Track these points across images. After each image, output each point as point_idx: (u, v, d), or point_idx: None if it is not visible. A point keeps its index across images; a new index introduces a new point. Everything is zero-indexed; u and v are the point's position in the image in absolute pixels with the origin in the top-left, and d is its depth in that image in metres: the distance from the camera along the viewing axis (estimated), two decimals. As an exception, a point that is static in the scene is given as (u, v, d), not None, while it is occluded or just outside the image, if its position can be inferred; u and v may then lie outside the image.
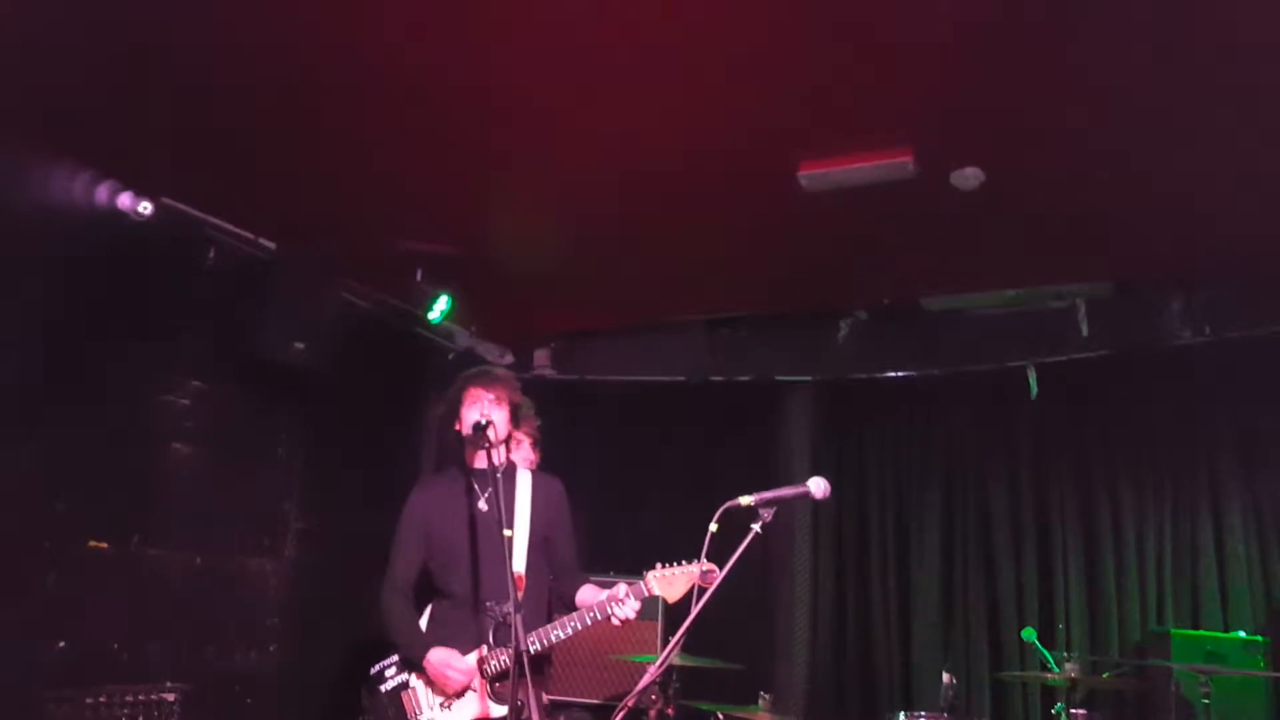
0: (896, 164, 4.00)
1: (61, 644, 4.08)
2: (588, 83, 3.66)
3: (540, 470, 3.84)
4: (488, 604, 3.42)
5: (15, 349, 3.90)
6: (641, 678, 2.68)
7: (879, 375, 6.12)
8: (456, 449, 3.77)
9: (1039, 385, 5.65)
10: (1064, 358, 5.59)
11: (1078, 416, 5.67)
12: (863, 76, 3.54)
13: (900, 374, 6.07)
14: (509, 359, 6.85)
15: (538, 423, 4.27)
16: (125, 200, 4.37)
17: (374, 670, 3.65)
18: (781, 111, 3.78)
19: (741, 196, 4.51)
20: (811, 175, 4.14)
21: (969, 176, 4.15)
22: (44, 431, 3.99)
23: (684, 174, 4.32)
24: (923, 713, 4.43)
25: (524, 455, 4.17)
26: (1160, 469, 5.44)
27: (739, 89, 3.65)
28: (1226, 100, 3.55)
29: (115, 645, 4.29)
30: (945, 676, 4.50)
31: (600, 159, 4.24)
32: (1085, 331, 5.57)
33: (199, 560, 4.76)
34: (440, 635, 3.54)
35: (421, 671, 3.52)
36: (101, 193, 4.31)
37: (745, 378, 6.45)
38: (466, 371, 3.77)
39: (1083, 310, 5.59)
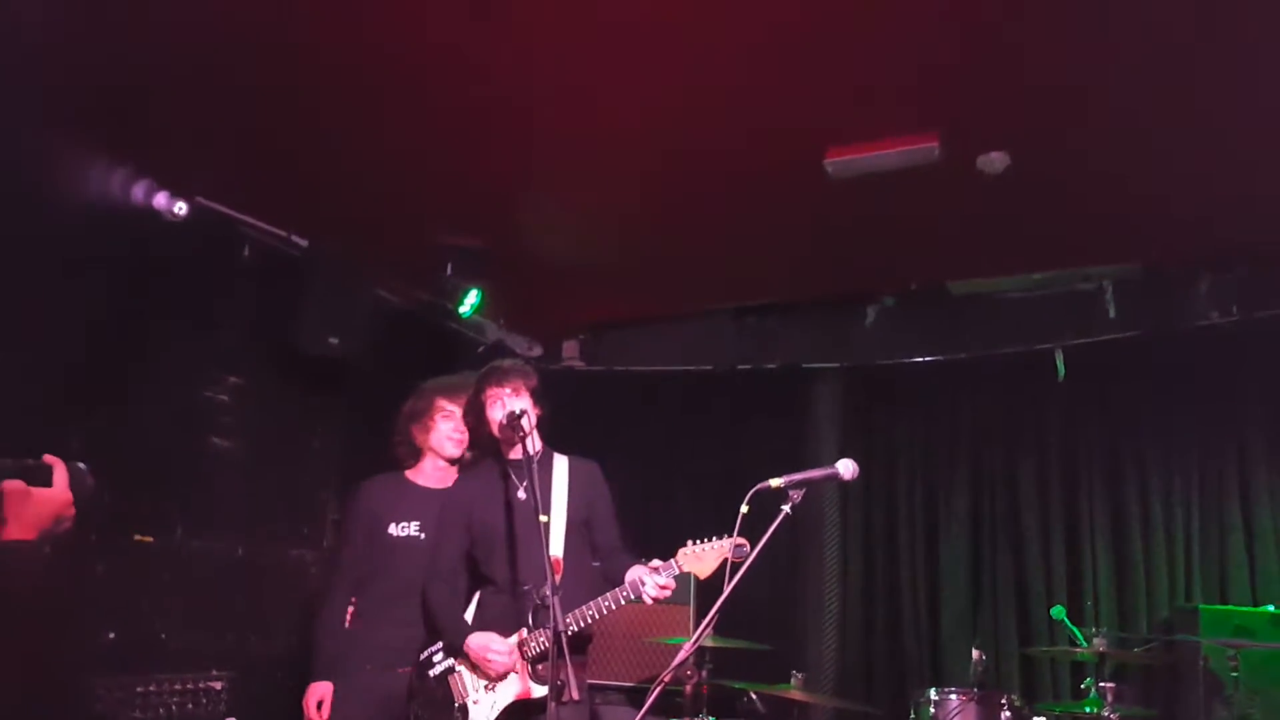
0: (922, 149, 4.03)
1: (112, 634, 4.18)
2: (612, 73, 3.71)
3: (576, 455, 3.93)
4: (526, 588, 3.50)
5: (60, 348, 4.00)
6: (675, 660, 2.76)
7: (906, 360, 6.14)
8: (493, 446, 3.88)
9: (1066, 367, 5.65)
10: (1092, 339, 5.60)
11: (1106, 397, 5.68)
12: (888, 62, 3.56)
13: (927, 359, 6.08)
14: (538, 351, 6.92)
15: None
16: (161, 200, 4.45)
17: (422, 656, 3.76)
18: (807, 99, 3.81)
19: (768, 185, 4.54)
20: (837, 163, 4.16)
21: (995, 161, 4.17)
22: (89, 428, 4.09)
23: (709, 164, 4.36)
24: (953, 689, 4.47)
25: (439, 440, 4.25)
26: (1188, 447, 5.45)
27: (764, 77, 3.68)
28: (1259, 79, 3.54)
29: (163, 635, 4.39)
30: (975, 653, 4.53)
31: (625, 150, 4.30)
32: (1113, 313, 5.57)
33: (241, 551, 4.86)
34: (485, 620, 3.67)
35: (465, 657, 3.62)
36: (138, 192, 4.40)
37: (772, 365, 6.48)
38: (477, 376, 3.89)
39: (1110, 292, 5.59)
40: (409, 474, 4.22)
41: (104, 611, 4.17)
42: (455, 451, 4.17)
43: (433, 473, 4.20)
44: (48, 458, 1.82)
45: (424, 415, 4.17)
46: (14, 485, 1.75)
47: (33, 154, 3.83)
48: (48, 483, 1.79)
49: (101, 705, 3.90)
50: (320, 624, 4.09)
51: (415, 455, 4.22)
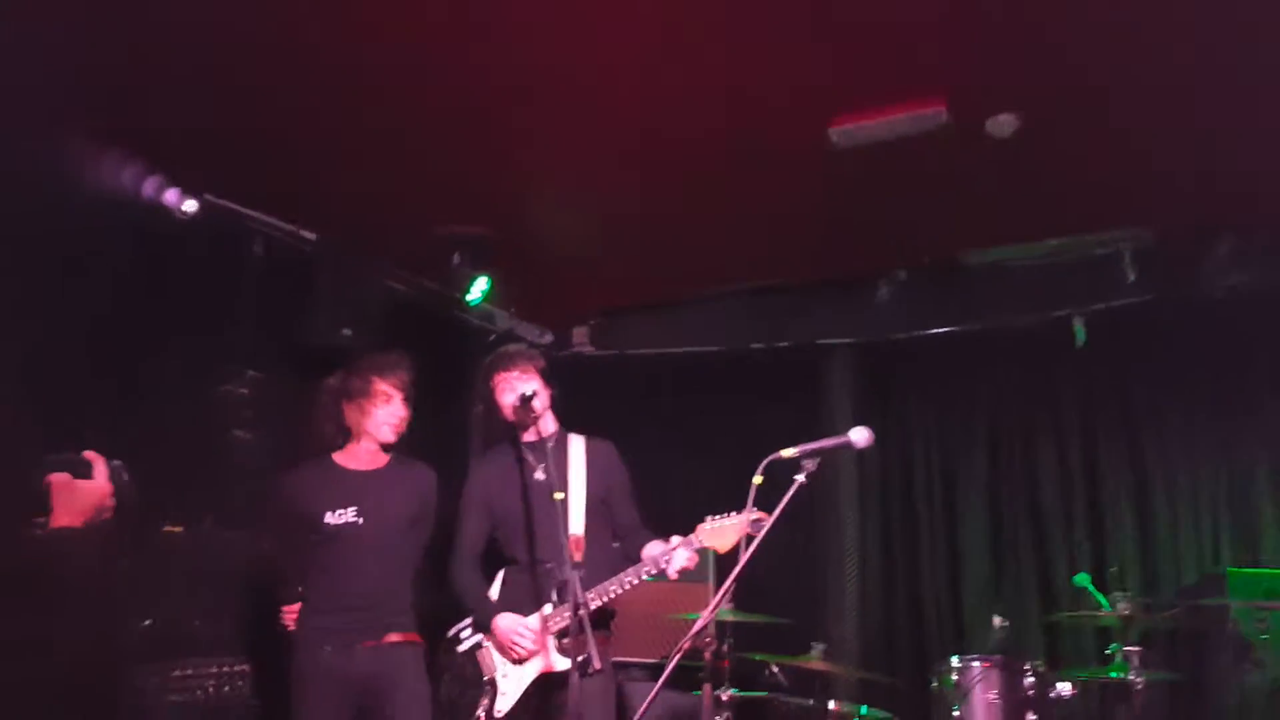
0: (930, 114, 3.98)
1: (146, 622, 4.23)
2: (612, 49, 3.69)
3: (593, 436, 3.97)
4: (548, 565, 3.54)
5: (82, 348, 4.04)
6: (699, 637, 2.78)
7: (921, 334, 6.09)
8: (508, 431, 3.91)
9: (1086, 334, 5.60)
10: (1110, 305, 5.53)
11: (1125, 363, 5.62)
12: (891, 25, 3.51)
13: (943, 330, 6.04)
14: (548, 339, 6.92)
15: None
16: (171, 197, 4.46)
17: (451, 633, 3.86)
18: (809, 68, 3.78)
19: (774, 159, 4.51)
20: (843, 131, 4.13)
21: (1004, 124, 4.12)
22: (116, 425, 4.12)
23: (714, 140, 4.34)
24: (974, 657, 4.45)
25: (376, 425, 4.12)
26: (1211, 411, 5.39)
27: (765, 47, 3.66)
28: (1276, 41, 3.48)
29: (196, 622, 4.43)
30: (996, 620, 4.52)
31: (627, 130, 4.28)
32: (1131, 278, 5.51)
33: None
34: (509, 597, 3.76)
35: (492, 634, 3.70)
36: (148, 189, 4.42)
37: (785, 344, 6.45)
38: (485, 363, 3.92)
39: (1128, 256, 5.53)
40: (337, 458, 4.06)
41: (138, 600, 4.21)
42: (392, 437, 4.03)
43: (365, 455, 4.04)
44: (88, 453, 1.95)
45: (359, 396, 3.99)
46: (60, 478, 1.89)
47: (42, 151, 3.86)
48: (89, 475, 1.93)
49: (140, 690, 3.96)
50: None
51: (345, 436, 4.05)
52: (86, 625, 1.74)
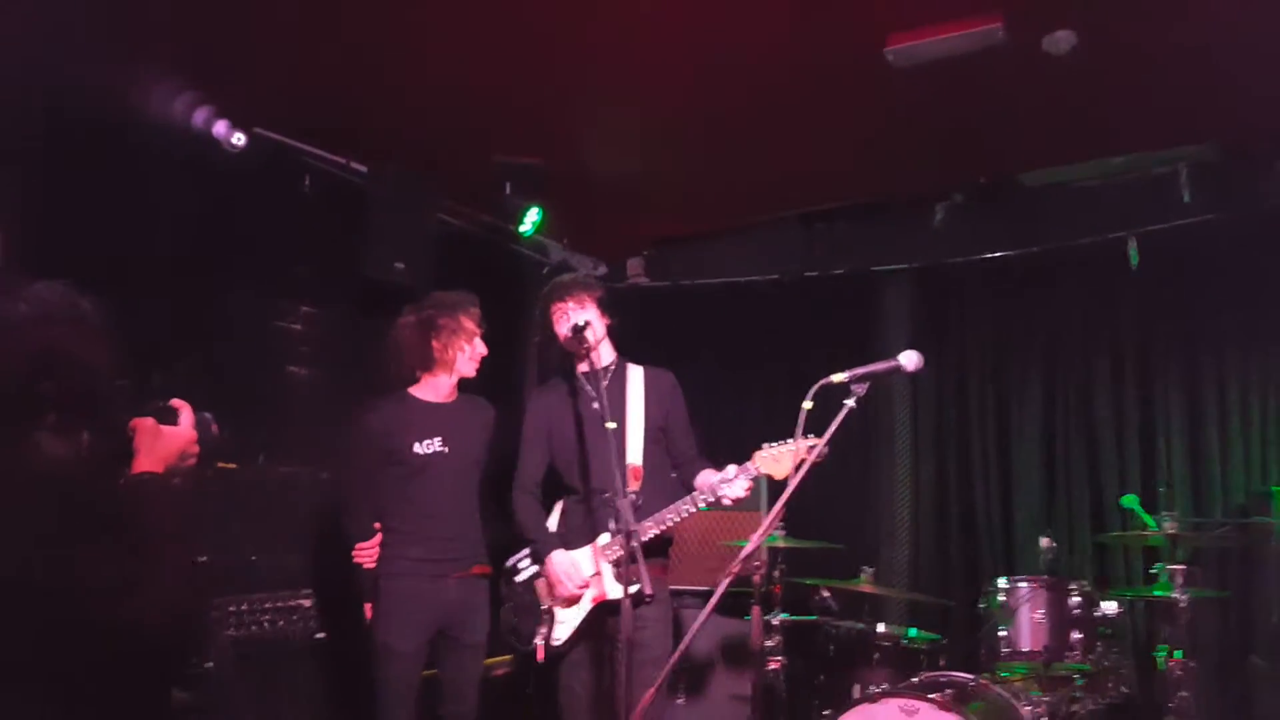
0: (986, 31, 3.89)
1: (203, 558, 4.34)
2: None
3: (651, 365, 3.98)
4: (606, 495, 3.58)
5: (136, 285, 4.09)
6: (749, 561, 2.80)
7: (977, 258, 6.01)
8: (566, 361, 3.96)
9: (1140, 255, 5.48)
10: (1166, 225, 5.41)
11: (1180, 283, 5.51)
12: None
13: (999, 254, 5.95)
14: (602, 270, 6.92)
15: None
16: (221, 129, 4.43)
17: (509, 563, 3.97)
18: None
19: (829, 80, 4.42)
20: (899, 50, 4.04)
21: (1060, 40, 4.02)
22: (169, 363, 4.20)
23: (768, 62, 4.27)
24: (1022, 577, 4.47)
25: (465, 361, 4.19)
26: (1264, 332, 5.27)
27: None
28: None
29: (253, 558, 4.52)
30: (1043, 540, 4.52)
31: (680, 56, 4.22)
32: (1187, 197, 5.37)
33: (324, 475, 5.00)
34: (569, 527, 3.85)
35: (544, 569, 3.78)
36: (199, 120, 4.40)
37: (841, 270, 6.41)
38: (542, 293, 3.97)
39: (1185, 175, 5.38)
40: (414, 391, 4.17)
41: (193, 536, 4.31)
42: (473, 373, 4.17)
43: (443, 389, 4.16)
44: (175, 401, 1.98)
45: (448, 333, 4.09)
46: (145, 422, 1.92)
47: (94, 83, 3.85)
48: (174, 422, 1.96)
49: (199, 623, 4.08)
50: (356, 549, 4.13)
51: (427, 368, 4.14)
52: (167, 568, 1.77)
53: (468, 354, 4.12)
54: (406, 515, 4.03)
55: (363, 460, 4.16)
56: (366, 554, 4.08)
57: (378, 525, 4.10)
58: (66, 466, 1.72)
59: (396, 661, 3.89)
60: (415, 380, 4.17)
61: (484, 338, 4.19)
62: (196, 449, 1.97)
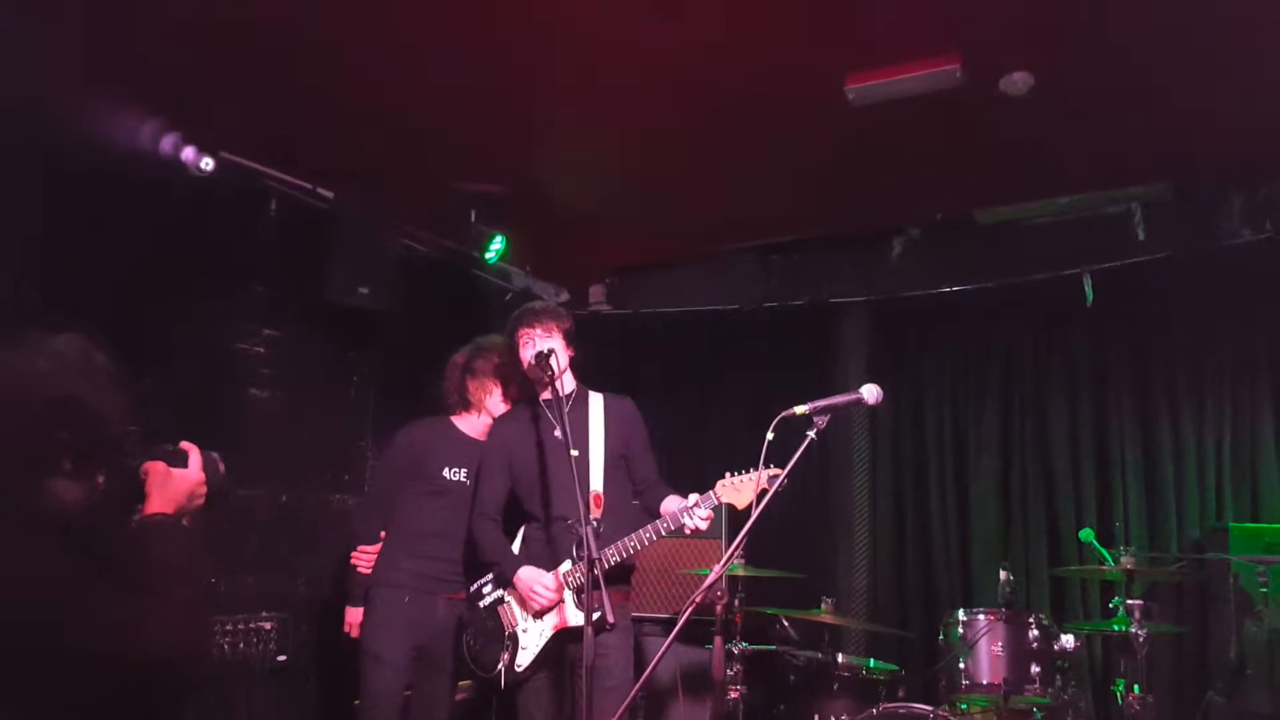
0: (944, 72, 3.98)
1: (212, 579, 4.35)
2: (627, 6, 3.69)
3: (610, 392, 4.01)
4: (568, 521, 3.59)
5: (101, 307, 4.06)
6: (712, 591, 2.82)
7: (934, 292, 6.11)
8: (528, 388, 4.00)
9: (1095, 292, 5.60)
10: (1120, 263, 5.52)
11: (1135, 320, 5.63)
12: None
13: (955, 289, 6.05)
14: (564, 297, 6.96)
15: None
16: (189, 155, 4.50)
17: (473, 588, 3.95)
18: (826, 23, 3.77)
19: (789, 116, 4.51)
20: (859, 89, 4.13)
21: (1018, 82, 4.12)
22: (131, 384, 4.15)
23: (729, 97, 4.34)
24: (980, 609, 4.51)
25: (495, 403, 4.36)
26: (1220, 368, 5.40)
27: (782, 4, 3.66)
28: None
29: (213, 579, 4.49)
30: (1002, 574, 4.57)
31: (643, 85, 4.27)
32: (1142, 235, 5.50)
33: (284, 498, 4.99)
34: (530, 553, 3.82)
35: (513, 588, 3.76)
36: (166, 147, 4.44)
37: (799, 302, 6.49)
38: (511, 318, 3.98)
39: (1139, 214, 5.52)
40: (455, 421, 4.40)
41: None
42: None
43: (480, 426, 4.35)
44: (184, 444, 2.04)
45: (485, 376, 4.33)
46: (157, 466, 1.97)
47: (61, 110, 3.87)
48: (184, 464, 2.01)
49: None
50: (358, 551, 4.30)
51: (465, 406, 4.39)
52: (178, 607, 1.79)
53: (496, 396, 4.32)
54: (415, 529, 4.20)
55: (393, 468, 4.37)
56: (365, 559, 4.25)
57: (383, 534, 4.27)
58: (82, 511, 1.75)
59: (386, 671, 4.05)
60: (457, 411, 4.42)
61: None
62: (204, 490, 2.02)
